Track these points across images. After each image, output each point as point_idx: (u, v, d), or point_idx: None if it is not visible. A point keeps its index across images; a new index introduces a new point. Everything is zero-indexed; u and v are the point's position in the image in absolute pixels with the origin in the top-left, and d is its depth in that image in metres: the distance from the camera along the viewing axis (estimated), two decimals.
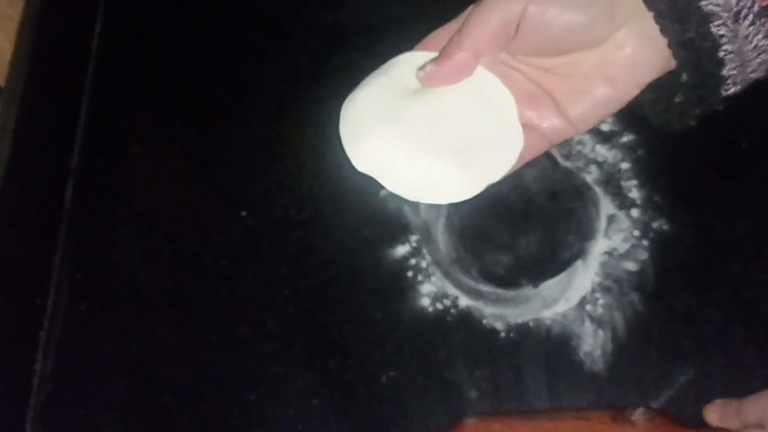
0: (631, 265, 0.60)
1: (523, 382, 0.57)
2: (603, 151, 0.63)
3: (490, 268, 0.60)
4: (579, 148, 0.63)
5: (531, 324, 0.59)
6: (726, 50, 0.37)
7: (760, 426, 0.48)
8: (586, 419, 0.53)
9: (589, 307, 0.59)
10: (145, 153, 0.68)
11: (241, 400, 0.59)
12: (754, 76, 0.38)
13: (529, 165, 0.44)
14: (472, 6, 0.40)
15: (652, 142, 0.63)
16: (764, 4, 0.35)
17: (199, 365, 0.60)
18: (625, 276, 0.59)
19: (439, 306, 0.60)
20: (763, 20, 0.36)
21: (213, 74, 0.70)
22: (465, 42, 0.40)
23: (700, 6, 0.36)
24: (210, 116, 0.68)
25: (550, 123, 0.42)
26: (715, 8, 0.36)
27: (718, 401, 0.53)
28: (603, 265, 0.60)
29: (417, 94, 0.42)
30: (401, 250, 0.62)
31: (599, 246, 0.60)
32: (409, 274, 0.61)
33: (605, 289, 0.59)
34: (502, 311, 0.59)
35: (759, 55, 0.37)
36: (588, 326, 0.58)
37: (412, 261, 0.61)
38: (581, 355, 0.58)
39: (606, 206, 0.61)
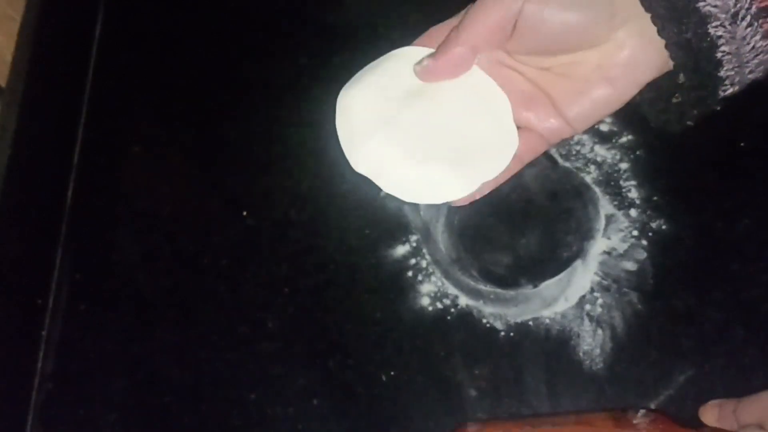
0: (630, 265, 0.60)
1: (523, 382, 0.57)
2: (602, 151, 0.63)
3: (489, 268, 0.60)
4: (578, 148, 0.63)
5: (530, 323, 0.59)
6: (724, 51, 0.37)
7: (759, 426, 0.48)
8: (589, 424, 0.53)
9: (588, 307, 0.59)
10: (145, 153, 0.68)
11: (241, 400, 0.59)
12: (752, 76, 0.38)
13: (528, 165, 0.44)
14: (471, 4, 0.40)
15: (651, 142, 0.63)
16: (762, 5, 0.35)
17: (199, 365, 0.60)
18: (624, 276, 0.59)
19: (439, 306, 0.60)
20: (760, 21, 0.36)
21: (213, 74, 0.70)
22: (462, 37, 0.40)
23: (698, 7, 0.36)
24: (210, 116, 0.68)
25: (548, 124, 0.42)
26: (712, 9, 0.36)
27: (714, 402, 0.53)
28: (602, 264, 0.60)
29: (414, 93, 0.42)
30: (401, 250, 0.62)
31: (598, 246, 0.60)
32: (409, 273, 0.61)
33: (604, 289, 0.59)
34: (502, 311, 0.59)
35: (757, 56, 0.37)
36: (587, 326, 0.58)
37: (412, 261, 0.61)
38: (581, 354, 0.58)
39: (605, 206, 0.61)
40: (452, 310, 0.60)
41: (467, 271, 0.60)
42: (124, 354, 0.61)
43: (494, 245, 0.61)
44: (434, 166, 0.42)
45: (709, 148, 0.62)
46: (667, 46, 0.38)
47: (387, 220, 0.63)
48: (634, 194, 0.61)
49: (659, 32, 0.37)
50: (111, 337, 0.62)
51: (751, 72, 0.38)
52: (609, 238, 0.60)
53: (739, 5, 0.36)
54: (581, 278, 0.60)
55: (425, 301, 0.60)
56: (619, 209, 0.61)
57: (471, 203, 0.44)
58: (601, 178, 0.62)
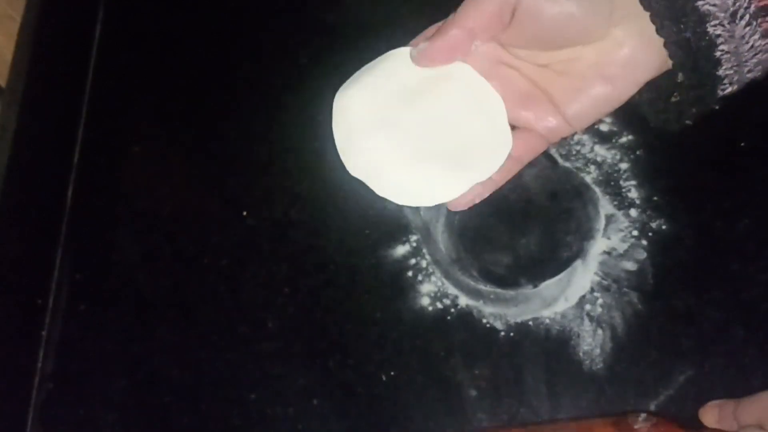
0: (630, 265, 0.60)
1: (523, 382, 0.57)
2: (602, 151, 0.63)
3: (489, 268, 0.60)
4: (578, 148, 0.63)
5: (530, 323, 0.59)
6: (722, 50, 0.37)
7: (759, 427, 0.48)
8: (589, 430, 0.53)
9: (588, 307, 0.59)
10: (145, 153, 0.68)
11: (241, 400, 0.59)
12: (750, 76, 0.38)
13: (528, 165, 0.44)
14: None
15: (651, 142, 0.63)
16: (761, 4, 0.35)
17: (199, 365, 0.60)
18: (624, 276, 0.59)
19: (439, 305, 0.60)
20: (759, 20, 0.36)
21: (213, 74, 0.70)
22: (459, 20, 0.40)
23: (697, 6, 0.36)
24: (210, 116, 0.68)
25: (548, 122, 0.42)
26: (711, 8, 0.36)
27: (714, 403, 0.53)
28: (602, 264, 0.60)
29: (409, 95, 0.42)
30: (401, 250, 0.62)
31: (598, 246, 0.60)
32: (409, 273, 0.61)
33: (604, 289, 0.59)
34: (502, 311, 0.59)
35: (755, 55, 0.37)
36: (587, 326, 0.58)
37: (412, 261, 0.61)
38: (581, 354, 0.58)
39: (605, 206, 0.61)
40: (452, 310, 0.60)
41: (467, 271, 0.60)
42: (124, 354, 0.61)
43: (494, 245, 0.61)
44: (427, 168, 0.42)
45: (709, 147, 0.62)
46: (665, 45, 0.38)
47: (387, 220, 0.63)
48: (634, 194, 0.61)
49: (658, 31, 0.37)
50: (111, 337, 0.62)
51: (749, 71, 0.38)
52: (609, 238, 0.60)
53: (738, 4, 0.35)
54: (581, 278, 0.60)
55: (425, 301, 0.60)
56: (619, 209, 0.61)
57: (471, 207, 0.44)
58: (601, 178, 0.62)
